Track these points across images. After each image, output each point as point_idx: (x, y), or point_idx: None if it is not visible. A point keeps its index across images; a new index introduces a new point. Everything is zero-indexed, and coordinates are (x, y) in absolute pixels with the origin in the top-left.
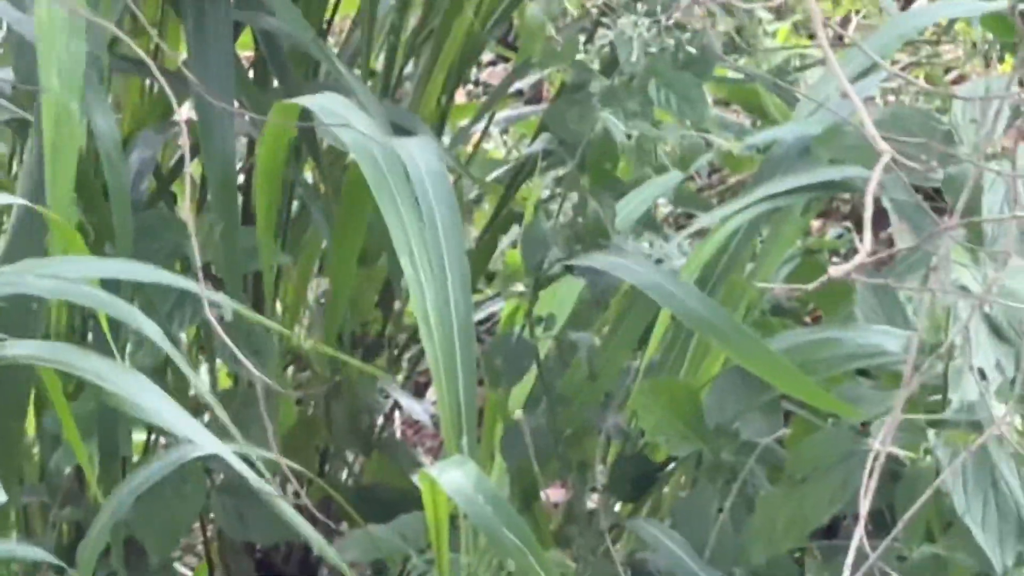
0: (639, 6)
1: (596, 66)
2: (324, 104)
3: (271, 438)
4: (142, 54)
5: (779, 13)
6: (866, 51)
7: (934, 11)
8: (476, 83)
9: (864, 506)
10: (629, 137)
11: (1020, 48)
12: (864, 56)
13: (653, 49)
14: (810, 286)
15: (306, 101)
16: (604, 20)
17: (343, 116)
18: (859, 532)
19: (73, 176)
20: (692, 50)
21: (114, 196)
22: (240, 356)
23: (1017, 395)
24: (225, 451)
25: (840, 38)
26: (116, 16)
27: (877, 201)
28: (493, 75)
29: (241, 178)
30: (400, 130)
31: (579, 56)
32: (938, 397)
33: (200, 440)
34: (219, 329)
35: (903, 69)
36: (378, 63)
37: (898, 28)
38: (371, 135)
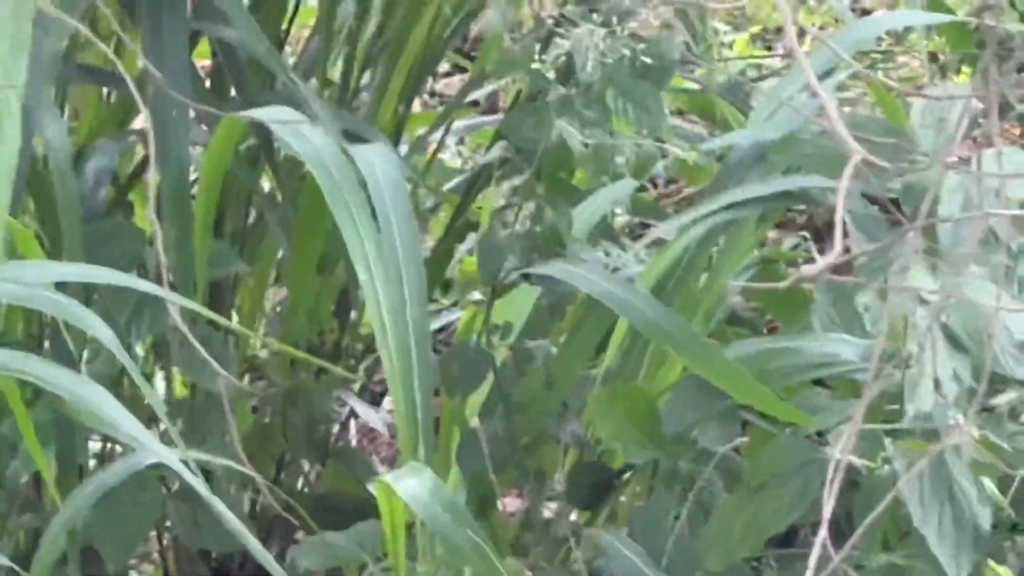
0: (595, 16)
1: (552, 76)
2: (277, 116)
3: (236, 444)
4: (112, 56)
5: (736, 24)
6: (833, 47)
7: (890, 19)
8: (433, 93)
9: (825, 513)
10: (586, 146)
11: (980, 57)
12: (820, 62)
13: (609, 59)
14: (774, 285)
15: (258, 114)
16: (560, 30)
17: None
18: (820, 539)
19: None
20: (648, 60)
21: (63, 205)
22: (206, 357)
23: (975, 404)
24: (173, 459)
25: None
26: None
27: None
28: (450, 86)
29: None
30: (357, 139)
31: (535, 66)
32: (896, 406)
33: (154, 448)
34: (184, 329)
35: (858, 79)
36: (335, 72)
37: (854, 34)
38: (325, 145)
